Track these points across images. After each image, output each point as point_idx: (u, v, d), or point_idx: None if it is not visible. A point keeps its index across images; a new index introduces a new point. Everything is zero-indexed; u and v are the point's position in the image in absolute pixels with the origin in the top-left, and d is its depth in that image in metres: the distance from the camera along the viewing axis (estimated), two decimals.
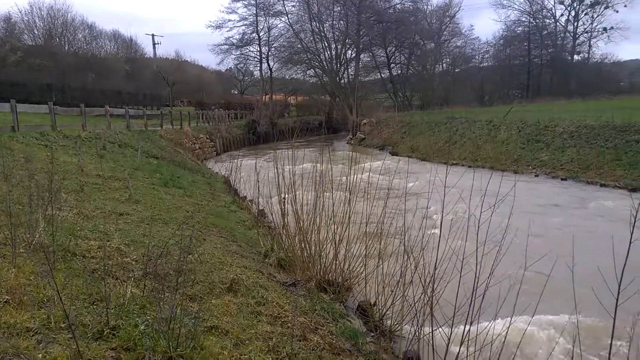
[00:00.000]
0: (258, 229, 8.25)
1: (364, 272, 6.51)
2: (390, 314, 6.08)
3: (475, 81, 60.30)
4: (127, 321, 3.33)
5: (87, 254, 4.64)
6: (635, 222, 3.18)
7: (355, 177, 7.91)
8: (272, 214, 8.23)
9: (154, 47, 61.53)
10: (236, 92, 73.61)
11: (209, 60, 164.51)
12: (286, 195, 7.31)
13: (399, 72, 61.74)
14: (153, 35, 61.46)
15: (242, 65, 66.81)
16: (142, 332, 3.14)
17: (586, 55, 66.88)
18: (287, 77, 64.90)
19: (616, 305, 3.36)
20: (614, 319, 3.42)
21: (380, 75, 61.05)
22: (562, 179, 20.72)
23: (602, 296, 3.70)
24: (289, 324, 4.31)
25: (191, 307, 4.01)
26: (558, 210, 15.19)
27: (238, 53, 61.74)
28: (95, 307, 3.48)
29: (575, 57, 67.04)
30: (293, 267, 7.07)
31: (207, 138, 34.70)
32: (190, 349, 3.16)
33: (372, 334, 5.89)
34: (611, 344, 3.51)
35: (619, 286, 3.29)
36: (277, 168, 7.63)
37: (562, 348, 4.80)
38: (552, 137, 24.16)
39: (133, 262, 4.67)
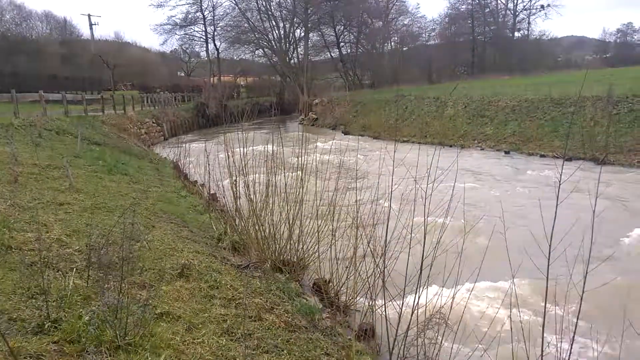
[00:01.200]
0: (210, 213, 8.15)
1: (318, 250, 6.58)
2: (345, 290, 6.20)
3: (423, 59, 61.23)
4: (70, 313, 3.23)
5: (23, 247, 4.43)
6: (559, 188, 3.38)
7: (307, 157, 7.94)
8: (224, 198, 8.14)
9: (91, 28, 58.46)
10: (183, 74, 71.48)
11: (152, 42, 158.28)
12: (238, 178, 7.24)
13: (349, 51, 61.84)
14: (89, 15, 58.36)
15: (187, 46, 64.90)
16: (86, 323, 3.06)
17: (526, 32, 69.23)
18: (235, 57, 63.66)
19: (548, 266, 3.57)
20: (547, 279, 3.63)
21: (330, 55, 60.93)
22: (505, 152, 21.57)
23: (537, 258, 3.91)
24: (243, 305, 4.32)
25: (140, 294, 3.94)
26: (501, 181, 15.85)
27: (182, 33, 59.91)
28: (34, 300, 3.35)
29: (516, 34, 69.24)
30: (247, 249, 7.05)
31: (153, 122, 33.65)
32: (140, 337, 3.11)
33: (328, 310, 6.00)
34: (545, 302, 3.74)
35: (550, 248, 3.50)
36: (227, 151, 7.53)
37: (504, 310, 5.05)
38: (496, 111, 25.02)
39: (76, 253, 4.52)
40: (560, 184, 3.78)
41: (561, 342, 3.83)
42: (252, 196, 6.95)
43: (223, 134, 7.84)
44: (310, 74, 53.42)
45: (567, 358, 3.62)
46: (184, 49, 66.84)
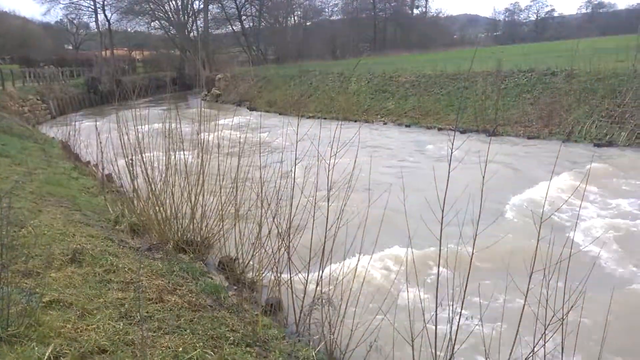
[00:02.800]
0: (105, 195, 7.66)
1: (222, 229, 6.48)
2: (252, 266, 6.18)
3: (327, 35, 61.67)
4: None
5: None
6: (451, 159, 3.60)
7: (209, 135, 7.71)
8: (120, 178, 7.69)
9: None
10: (70, 48, 65.64)
11: (33, 11, 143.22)
12: (134, 157, 6.85)
13: (251, 24, 60.53)
14: None
15: (73, 16, 59.64)
16: None
17: (424, 9, 72.23)
18: (129, 30, 59.66)
19: (441, 231, 3.80)
20: (440, 243, 3.87)
21: (232, 28, 59.23)
22: (406, 126, 22.58)
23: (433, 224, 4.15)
24: (143, 288, 4.15)
25: (26, 283, 3.63)
26: (402, 153, 16.62)
27: (67, 2, 54.85)
28: None
29: (415, 10, 72.01)
30: (148, 231, 6.75)
31: (38, 100, 30.71)
32: (25, 327, 2.87)
33: (235, 287, 5.96)
34: (438, 266, 4.00)
35: (442, 213, 3.72)
36: (122, 129, 7.08)
37: (401, 276, 5.33)
38: (397, 87, 25.98)
39: None
40: (451, 154, 4.01)
41: (453, 301, 4.11)
42: (149, 176, 6.62)
43: (116, 112, 7.35)
44: (211, 47, 51.61)
45: (459, 315, 3.89)
46: (70, 19, 61.39)
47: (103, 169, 9.14)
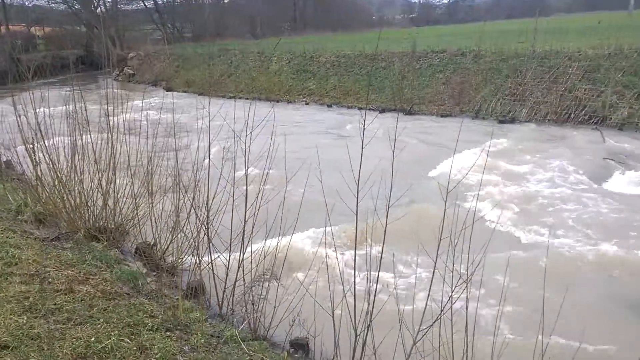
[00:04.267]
0: (4, 184, 7.09)
1: (137, 215, 6.25)
2: (172, 251, 6.04)
3: (246, 13, 60.30)
4: None
5: None
6: (363, 136, 3.72)
7: (122, 117, 7.34)
8: (21, 165, 7.14)
9: None
10: None
11: None
12: (35, 142, 6.38)
13: (165, 0, 57.72)
14: None
15: None
16: None
17: None
18: (26, 3, 54.64)
19: (357, 205, 3.93)
20: (356, 217, 4.01)
21: (144, 4, 56.18)
22: (328, 105, 22.80)
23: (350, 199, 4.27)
24: (50, 279, 3.93)
25: None
26: (322, 132, 16.83)
27: None
28: None
29: None
30: (56, 220, 6.37)
31: None
32: None
33: (154, 274, 5.80)
34: (356, 239, 4.15)
35: (357, 188, 3.85)
36: (20, 112, 6.55)
37: (321, 251, 5.47)
38: (318, 67, 26.08)
39: None
40: (363, 131, 4.14)
41: (370, 271, 4.29)
42: (54, 162, 6.21)
43: (12, 93, 6.77)
44: (121, 24, 48.70)
45: (375, 285, 4.06)
46: None
47: (0, 155, 8.43)
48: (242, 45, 34.28)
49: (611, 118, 15.45)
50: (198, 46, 38.44)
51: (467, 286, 3.56)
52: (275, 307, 4.59)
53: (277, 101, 23.61)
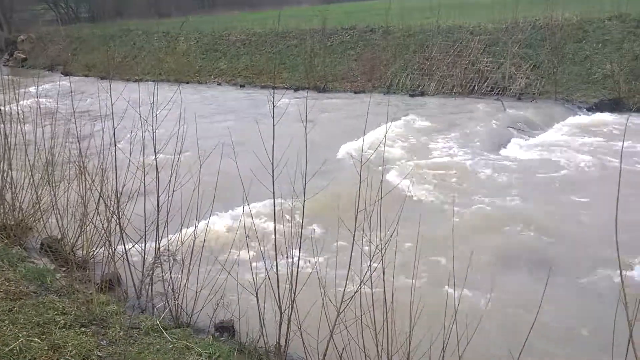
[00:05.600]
0: None
1: (39, 209, 5.81)
2: (82, 243, 5.71)
3: None
4: None
5: None
6: (274, 115, 3.71)
7: (14, 105, 6.74)
8: None
9: None
10: None
11: None
12: None
13: None
14: None
15: None
16: None
17: None
18: None
19: (273, 184, 3.93)
20: (274, 198, 4.02)
21: None
22: (241, 86, 22.35)
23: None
24: None
25: None
26: (236, 112, 16.54)
27: None
28: None
29: None
30: None
31: None
32: None
33: (64, 269, 5.46)
34: (274, 217, 4.16)
35: (273, 168, 3.84)
36: None
37: (241, 233, 5.40)
38: (228, 46, 25.40)
39: None
40: (274, 111, 4.12)
41: (292, 249, 4.32)
42: None
43: None
44: (8, 4, 44.21)
45: (297, 261, 4.11)
46: None
47: None
48: (145, 25, 32.46)
49: (510, 89, 16.59)
50: (96, 27, 35.91)
51: (382, 256, 3.71)
52: (197, 292, 4.51)
53: (187, 82, 22.78)
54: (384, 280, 3.60)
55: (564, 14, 17.15)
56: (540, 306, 3.28)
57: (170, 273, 4.73)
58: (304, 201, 4.22)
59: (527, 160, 10.33)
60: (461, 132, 12.27)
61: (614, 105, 14.12)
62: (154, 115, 4.72)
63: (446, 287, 3.58)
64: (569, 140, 11.68)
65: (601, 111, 13.83)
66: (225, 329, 4.57)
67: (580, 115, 13.77)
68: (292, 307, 4.01)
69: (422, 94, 17.95)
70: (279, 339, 4.09)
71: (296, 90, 19.51)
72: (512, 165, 9.78)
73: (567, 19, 17.16)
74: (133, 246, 5.11)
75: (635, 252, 5.98)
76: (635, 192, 7.62)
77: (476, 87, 17.27)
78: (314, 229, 6.07)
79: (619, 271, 2.94)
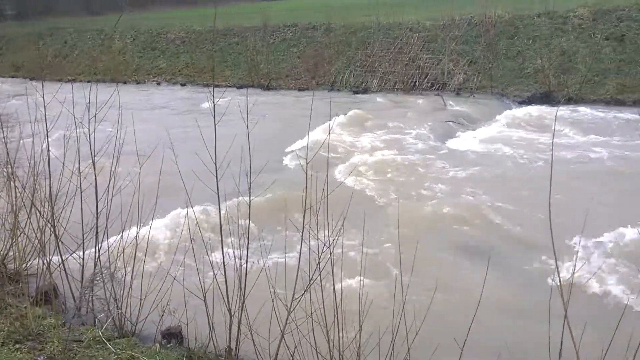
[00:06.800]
0: None
1: None
2: (13, 255, 5.36)
3: None
4: None
5: None
6: (215, 114, 3.62)
7: None
8: None
9: None
10: None
11: None
12: None
13: None
14: None
15: None
16: None
17: None
18: None
19: (217, 184, 3.84)
20: (218, 197, 3.92)
21: None
22: (182, 84, 21.83)
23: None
24: None
25: None
26: (178, 112, 16.14)
27: None
28: None
29: None
30: None
31: None
32: None
33: None
34: (220, 218, 4.06)
35: (216, 168, 3.75)
36: None
37: (185, 235, 5.26)
38: (166, 44, 24.72)
39: None
40: (214, 109, 4.03)
41: (239, 250, 4.23)
42: None
43: None
44: None
45: (246, 262, 4.04)
46: None
47: None
48: (77, 23, 30.97)
49: (450, 84, 17.14)
50: (23, 25, 33.88)
51: (331, 253, 3.71)
52: (141, 300, 4.33)
53: (125, 82, 22.00)
54: (332, 277, 3.60)
55: (496, 11, 17.90)
56: (482, 294, 3.39)
57: (112, 281, 4.52)
58: (250, 201, 4.15)
59: (468, 153, 10.70)
60: (405, 128, 12.54)
61: (545, 98, 14.92)
62: (92, 117, 4.49)
63: (394, 279, 3.63)
64: (506, 132, 12.21)
65: (534, 104, 14.55)
66: (173, 335, 4.43)
67: (514, 108, 14.43)
68: (242, 309, 3.94)
69: (366, 90, 18.20)
70: (229, 342, 4.01)
71: (239, 88, 19.27)
72: (454, 159, 10.11)
73: (500, 16, 17.93)
74: (70, 255, 4.85)
75: (568, 235, 6.33)
76: (566, 179, 8.09)
77: (417, 83, 17.71)
78: (262, 229, 6.00)
79: (555, 257, 3.08)
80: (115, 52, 25.02)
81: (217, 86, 20.49)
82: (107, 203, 4.55)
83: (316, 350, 3.68)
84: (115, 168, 4.74)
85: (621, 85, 14.69)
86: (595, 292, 5.41)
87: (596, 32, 16.20)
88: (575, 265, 4.24)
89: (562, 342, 2.82)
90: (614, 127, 12.05)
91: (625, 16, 16.25)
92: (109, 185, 4.59)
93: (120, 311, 4.34)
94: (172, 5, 48.38)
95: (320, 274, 3.75)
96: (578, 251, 5.52)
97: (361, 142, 11.44)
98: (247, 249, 4.13)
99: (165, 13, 36.05)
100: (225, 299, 3.99)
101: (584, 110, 13.63)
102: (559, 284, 2.80)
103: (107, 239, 4.73)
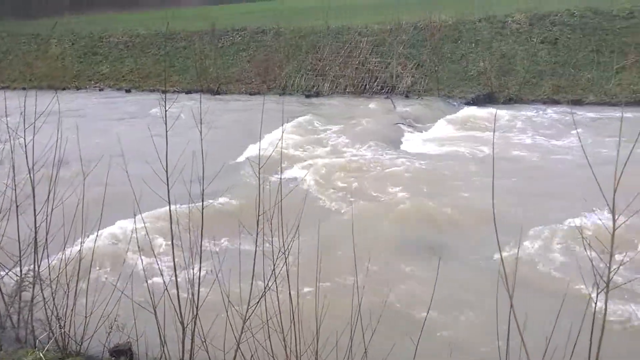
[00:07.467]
0: None
1: None
2: None
3: None
4: None
5: None
6: (166, 120, 3.49)
7: None
8: None
9: None
10: None
11: None
12: None
13: None
14: None
15: None
16: None
17: None
18: None
19: (168, 191, 3.70)
20: (169, 206, 3.78)
21: None
22: (126, 90, 21.11)
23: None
24: None
25: None
26: (125, 120, 15.60)
27: None
28: None
29: None
30: None
31: None
32: None
33: None
34: (171, 227, 3.92)
35: (167, 175, 3.61)
36: None
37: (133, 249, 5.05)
38: (109, 48, 23.87)
39: None
40: (166, 115, 3.89)
41: (192, 259, 4.10)
42: None
43: None
44: None
45: (199, 272, 3.91)
46: None
47: None
48: (10, 26, 29.34)
49: (399, 87, 17.46)
50: None
51: (286, 258, 3.65)
52: (86, 317, 4.11)
53: (64, 89, 21.08)
54: (288, 283, 3.55)
55: (440, 16, 18.43)
56: (435, 289, 3.45)
57: (54, 298, 4.26)
58: (203, 208, 4.03)
59: (417, 154, 10.92)
60: (356, 130, 12.66)
61: (488, 99, 15.52)
62: (28, 126, 4.23)
63: (350, 281, 3.62)
64: (452, 133, 12.57)
65: (478, 105, 15.09)
66: (122, 352, 4.23)
67: (460, 109, 14.88)
68: (195, 320, 3.80)
69: (317, 94, 18.25)
70: (183, 356, 3.87)
71: (188, 93, 18.88)
72: (405, 160, 10.27)
73: (444, 21, 18.48)
74: (7, 274, 4.54)
75: (512, 228, 6.57)
76: (510, 176, 8.42)
77: (367, 87, 17.95)
78: (215, 237, 5.83)
79: (499, 250, 3.17)
80: (52, 58, 23.89)
81: (164, 92, 20.03)
82: (47, 216, 4.29)
83: (273, 357, 3.61)
84: (56, 179, 4.48)
85: (556, 86, 15.47)
86: (537, 280, 5.64)
87: (532, 36, 16.99)
88: (517, 258, 4.37)
89: (509, 329, 2.91)
90: (549, 125, 12.69)
91: (558, 21, 17.14)
92: (48, 197, 4.33)
93: (63, 330, 4.10)
94: (113, 8, 46.79)
95: (275, 280, 3.69)
96: (519, 243, 5.71)
97: (314, 146, 11.44)
98: (200, 258, 4.00)
99: (106, 16, 34.75)
100: (177, 311, 3.85)
101: (524, 110, 14.25)
102: (504, 275, 2.88)
103: (48, 254, 4.45)
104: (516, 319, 2.87)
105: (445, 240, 6.80)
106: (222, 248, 5.10)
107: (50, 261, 4.49)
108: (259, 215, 3.80)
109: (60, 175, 4.65)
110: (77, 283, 4.17)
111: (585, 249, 3.01)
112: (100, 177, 4.94)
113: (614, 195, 2.72)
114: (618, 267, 2.80)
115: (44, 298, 4.22)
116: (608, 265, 2.77)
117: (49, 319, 4.18)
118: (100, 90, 21.53)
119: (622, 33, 15.89)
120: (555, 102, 14.92)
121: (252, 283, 3.83)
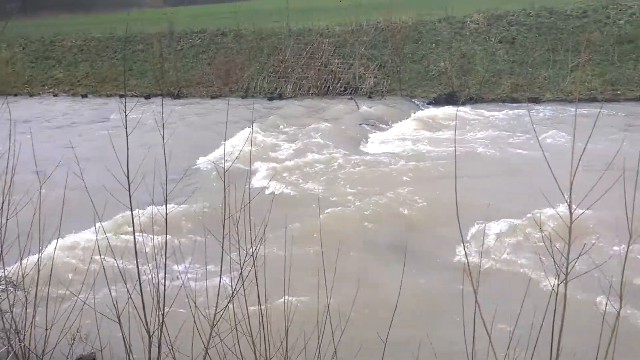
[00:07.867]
0: None
1: None
2: None
3: None
4: None
5: None
6: (127, 125, 3.40)
7: None
8: None
9: None
10: None
11: None
12: None
13: None
14: None
15: None
16: None
17: None
18: None
19: (130, 198, 3.60)
20: (131, 212, 3.68)
21: None
22: (82, 96, 20.48)
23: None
24: None
25: None
26: (80, 126, 15.13)
27: None
28: None
29: None
30: None
31: None
32: None
33: None
34: (134, 232, 3.82)
35: (129, 181, 3.52)
36: None
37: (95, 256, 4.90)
38: (62, 52, 23.13)
39: None
40: (126, 121, 3.79)
41: (156, 265, 4.01)
42: None
43: None
44: None
45: (164, 279, 3.82)
46: None
47: None
48: None
49: (362, 88, 17.62)
50: None
51: (254, 261, 3.62)
52: (47, 329, 3.96)
53: (15, 95, 20.29)
54: (257, 286, 3.51)
55: (401, 17, 18.72)
56: (401, 287, 3.49)
57: (12, 311, 4.08)
58: (167, 213, 3.94)
59: (381, 154, 11.04)
60: (320, 132, 12.68)
61: (449, 99, 15.85)
62: None
63: (318, 282, 3.61)
64: (415, 132, 12.77)
65: (439, 105, 15.39)
66: None
67: (422, 109, 15.14)
68: (162, 327, 3.72)
69: (280, 96, 18.19)
70: None
71: (147, 97, 18.49)
72: (369, 160, 10.38)
73: (404, 22, 18.78)
74: None
75: (473, 225, 6.73)
76: (472, 173, 8.61)
77: (331, 88, 18.03)
78: (180, 241, 5.73)
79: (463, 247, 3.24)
80: (2, 62, 22.94)
81: (124, 96, 19.63)
82: (2, 227, 4.10)
83: None
84: (10, 188, 4.29)
85: (514, 84, 15.97)
86: (502, 274, 5.80)
87: (490, 35, 17.48)
88: (481, 253, 4.48)
89: (474, 323, 2.97)
90: (508, 123, 13.08)
91: (515, 21, 17.70)
92: (1, 207, 4.15)
93: (23, 344, 3.93)
94: (66, 11, 45.29)
95: (243, 284, 3.65)
96: (483, 239, 5.86)
97: (278, 148, 11.41)
98: (165, 263, 3.92)
99: (58, 19, 33.63)
100: (143, 319, 3.75)
101: (484, 109, 14.63)
102: (468, 272, 2.94)
103: (4, 265, 4.27)
104: (481, 313, 2.93)
105: (410, 238, 6.89)
106: (188, 253, 5.01)
107: (6, 272, 4.30)
108: (224, 219, 3.75)
109: (15, 183, 4.46)
110: (36, 294, 4.01)
111: (544, 242, 3.10)
112: (59, 185, 4.77)
113: (571, 188, 2.81)
114: (576, 259, 2.90)
115: (1, 310, 4.05)
116: (566, 257, 2.86)
117: (7, 333, 4.00)
118: (54, 95, 20.83)
119: (576, 32, 16.55)
120: (514, 100, 15.39)
121: (219, 288, 3.78)
